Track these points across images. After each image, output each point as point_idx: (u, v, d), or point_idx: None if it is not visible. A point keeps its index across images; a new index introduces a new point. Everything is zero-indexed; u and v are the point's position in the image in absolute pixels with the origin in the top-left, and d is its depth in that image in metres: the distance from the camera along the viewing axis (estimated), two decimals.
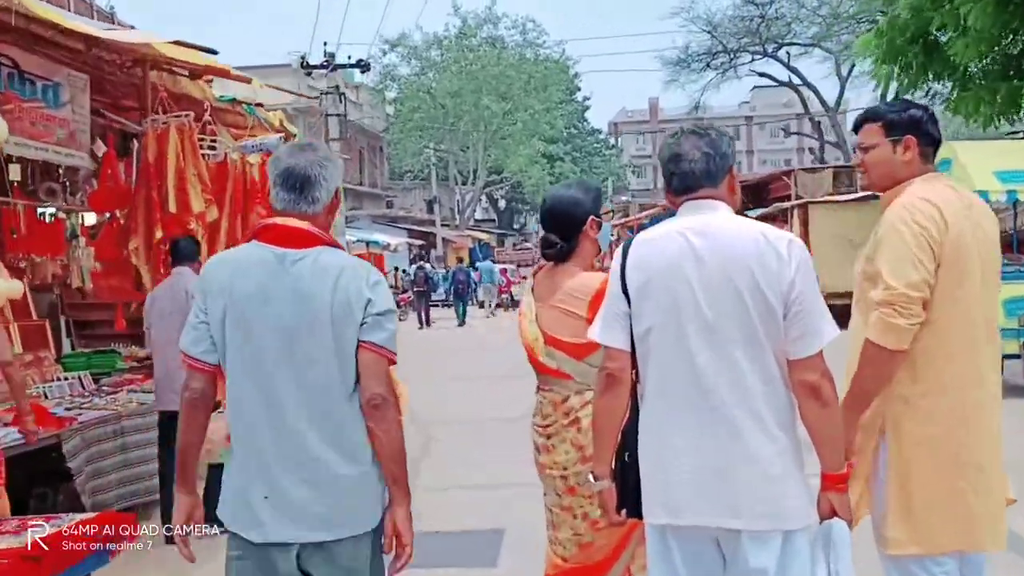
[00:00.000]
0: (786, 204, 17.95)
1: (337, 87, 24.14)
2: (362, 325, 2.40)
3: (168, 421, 5.15)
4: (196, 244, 5.74)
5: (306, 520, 2.37)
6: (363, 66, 24.58)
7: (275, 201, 2.51)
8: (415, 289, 25.93)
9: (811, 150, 36.71)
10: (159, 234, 6.12)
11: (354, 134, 48.15)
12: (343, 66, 24.23)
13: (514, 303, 31.39)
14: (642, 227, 28.66)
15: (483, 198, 67.24)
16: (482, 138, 50.26)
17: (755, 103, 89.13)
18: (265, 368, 2.39)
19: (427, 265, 28.50)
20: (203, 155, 6.55)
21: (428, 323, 24.71)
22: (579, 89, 63.48)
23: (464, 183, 52.98)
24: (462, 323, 25.12)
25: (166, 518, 5.01)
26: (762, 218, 19.44)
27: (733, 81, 43.52)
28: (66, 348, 7.05)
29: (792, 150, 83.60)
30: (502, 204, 70.02)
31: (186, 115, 6.26)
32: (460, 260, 32.18)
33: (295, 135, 9.22)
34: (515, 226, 73.10)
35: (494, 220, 71.11)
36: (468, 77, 48.06)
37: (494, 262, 50.85)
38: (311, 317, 2.38)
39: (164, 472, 5.34)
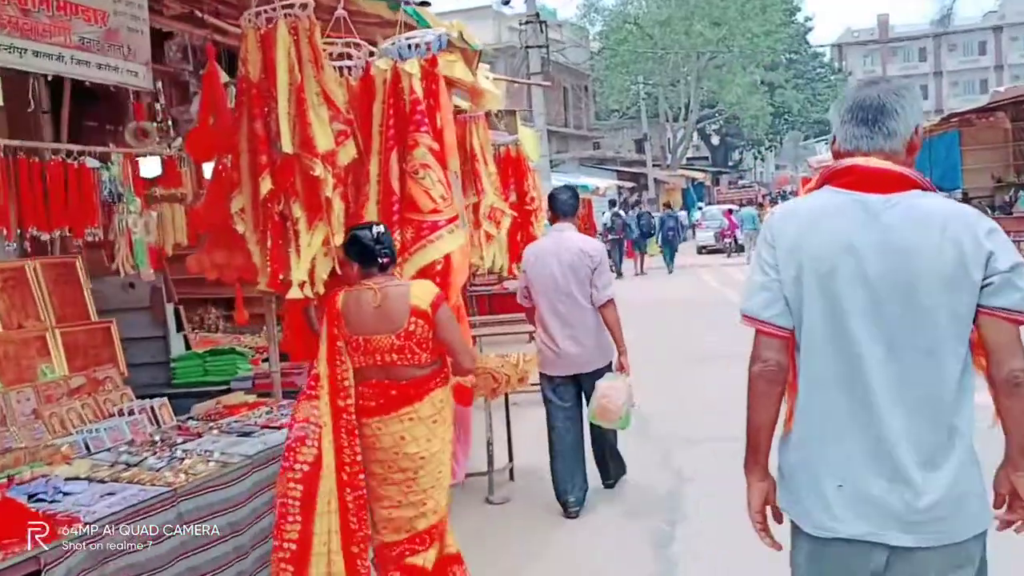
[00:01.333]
0: None
1: (537, 14, 21.74)
2: (984, 287, 2.05)
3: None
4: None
5: (890, 517, 2.10)
6: None
7: (841, 142, 2.25)
8: (611, 237, 24.32)
9: None
10: (267, 186, 3.94)
11: (558, 73, 46.02)
12: None
13: (739, 247, 28.89)
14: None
15: (695, 135, 63.42)
16: (694, 69, 46.49)
17: (1004, 10, 78.90)
18: (850, 336, 2.11)
19: (622, 212, 26.30)
20: (334, 66, 4.31)
21: (619, 273, 23.37)
22: (799, 9, 57.70)
23: (675, 120, 49.42)
24: (670, 271, 24.34)
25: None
26: None
27: None
28: (177, 348, 5.15)
29: None
30: (715, 140, 65.55)
31: (301, 3, 3.98)
32: (668, 205, 29.71)
33: (477, 49, 6.80)
34: (730, 163, 68.38)
35: (707, 157, 66.99)
36: (677, 2, 44.35)
37: (709, 203, 47.63)
38: (910, 276, 2.07)
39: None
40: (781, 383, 2.23)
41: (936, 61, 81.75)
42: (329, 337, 3.73)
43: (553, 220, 5.83)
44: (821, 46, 65.49)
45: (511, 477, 5.97)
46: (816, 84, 59.35)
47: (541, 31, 21.86)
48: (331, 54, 4.38)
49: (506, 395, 5.51)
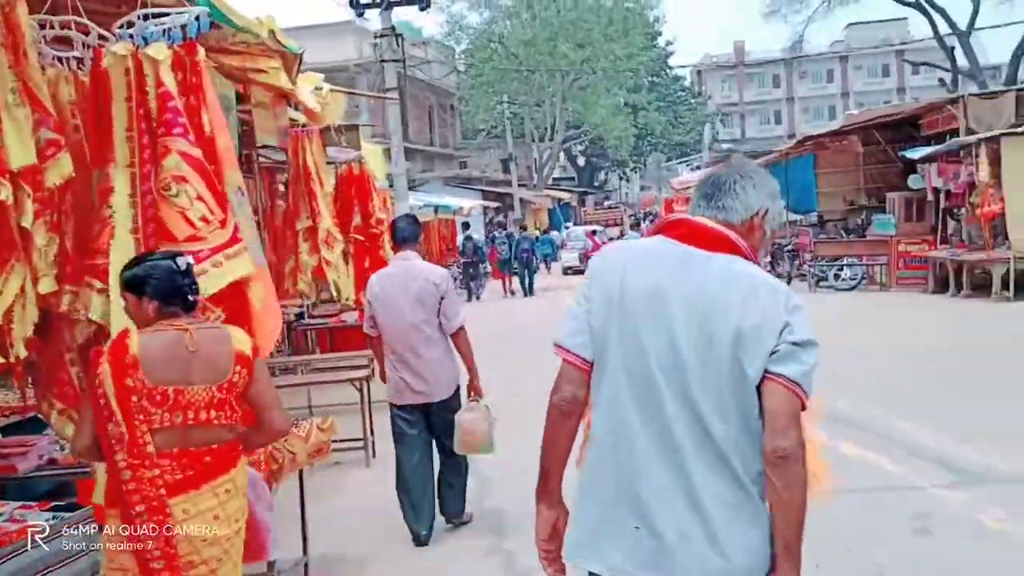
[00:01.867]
0: (970, 139, 13.94)
1: (393, 28, 20.80)
2: (773, 354, 2.08)
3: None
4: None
5: (676, 566, 2.09)
6: (422, 1, 21.22)
7: (690, 208, 2.34)
8: (463, 260, 24.22)
9: (941, 81, 31.83)
10: None
11: (422, 91, 45.25)
12: (398, 3, 20.86)
13: None
14: None
15: (561, 155, 63.82)
16: (559, 89, 46.52)
17: (850, 41, 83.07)
18: (647, 378, 2.14)
19: (474, 235, 26.07)
20: (55, 55, 3.26)
21: (478, 297, 23.37)
22: (660, 34, 58.94)
23: (541, 140, 49.40)
24: (526, 293, 23.56)
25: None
26: (929, 159, 15.57)
27: (828, 17, 38.30)
28: None
29: (892, 91, 77.68)
30: (581, 161, 66.16)
31: None
32: (524, 228, 29.25)
33: (297, 53, 5.87)
34: (596, 184, 69.15)
35: (573, 178, 67.52)
36: (542, 24, 44.39)
37: (575, 224, 47.74)
38: (712, 330, 2.10)
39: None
40: (575, 416, 2.26)
41: (788, 87, 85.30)
42: (119, 392, 2.80)
43: (396, 249, 5.70)
44: (682, 66, 66.98)
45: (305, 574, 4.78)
46: (677, 107, 60.79)
47: (397, 44, 20.90)
48: (44, 37, 3.30)
49: (300, 473, 4.42)
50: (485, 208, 41.35)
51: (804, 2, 36.59)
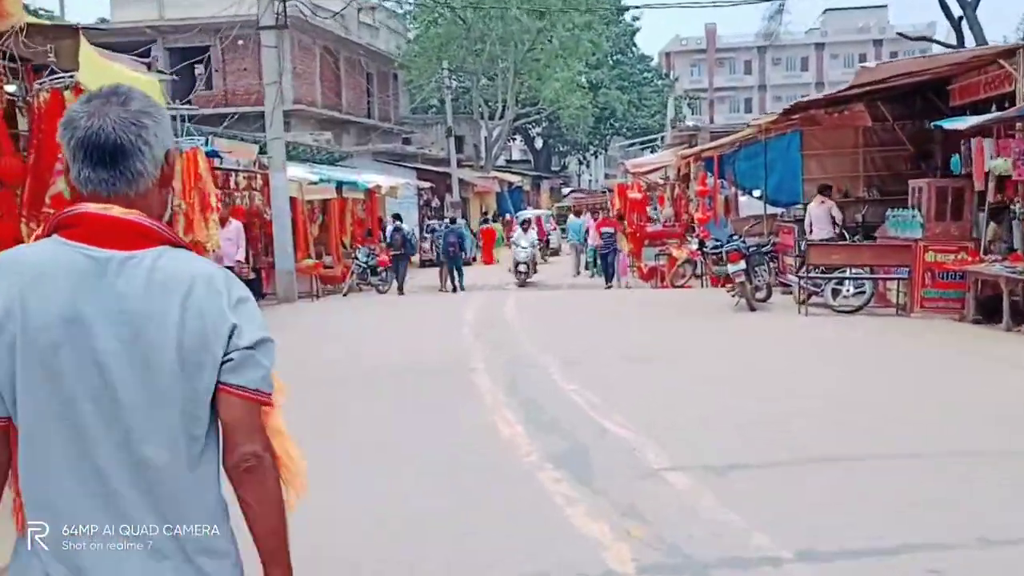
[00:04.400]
0: None
1: None
2: (225, 363, 1.75)
3: None
4: None
5: None
6: None
7: (78, 182, 1.78)
8: (392, 253, 21.15)
9: None
10: None
11: (362, 57, 40.32)
12: None
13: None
14: (727, 158, 21.12)
15: (517, 137, 59.18)
16: (511, 59, 41.68)
17: (827, 28, 79.36)
18: (80, 424, 1.72)
19: (404, 226, 22.43)
20: None
21: (400, 291, 20.43)
22: (627, 8, 54.30)
23: (491, 117, 44.54)
24: (455, 289, 20.67)
25: None
26: (981, 131, 11.06)
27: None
28: None
29: None
30: (539, 144, 61.46)
31: None
32: (453, 221, 24.19)
33: None
34: (553, 168, 64.47)
35: (529, 161, 62.84)
36: None
37: (524, 206, 43.19)
38: (148, 351, 1.72)
39: None
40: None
41: (761, 75, 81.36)
42: None
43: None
44: (647, 56, 62.41)
45: None
46: (642, 88, 56.13)
47: None
48: None
49: None
50: (419, 188, 36.55)
51: None
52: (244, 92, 34.09)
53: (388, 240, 22.03)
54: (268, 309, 16.37)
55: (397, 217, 23.53)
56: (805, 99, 16.46)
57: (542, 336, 11.36)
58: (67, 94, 6.67)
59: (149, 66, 10.15)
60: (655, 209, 26.14)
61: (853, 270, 12.30)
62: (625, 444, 5.95)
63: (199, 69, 34.61)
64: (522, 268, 22.24)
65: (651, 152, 46.76)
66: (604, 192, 43.11)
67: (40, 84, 6.68)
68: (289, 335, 12.68)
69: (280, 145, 16.99)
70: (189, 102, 34.02)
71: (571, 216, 30.08)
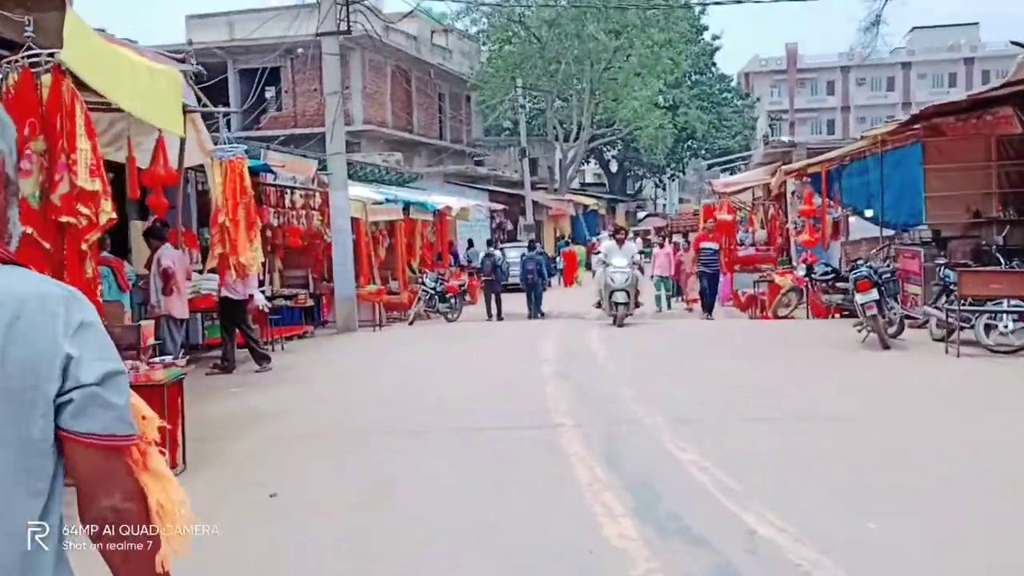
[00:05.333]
0: None
1: None
2: (64, 405, 1.46)
3: None
4: None
5: None
6: None
7: None
8: (483, 278, 21.16)
9: None
10: None
11: (433, 78, 39.22)
12: None
13: None
14: (835, 174, 18.96)
15: (592, 160, 57.45)
16: (587, 78, 40.08)
17: (914, 47, 75.97)
18: None
19: (496, 252, 22.01)
20: None
21: (500, 316, 19.88)
22: (706, 28, 52.33)
23: (566, 139, 42.94)
24: (532, 315, 20.11)
25: None
26: None
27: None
28: None
29: None
30: (614, 167, 59.69)
31: None
32: (532, 246, 22.93)
33: None
34: (629, 192, 62.53)
35: (604, 184, 61.01)
36: (569, 0, 38.00)
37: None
38: None
39: None
40: None
41: (844, 95, 78.30)
42: None
43: None
44: (727, 75, 60.27)
45: None
46: (722, 108, 53.90)
47: None
48: None
49: None
50: (492, 212, 35.09)
51: None
52: (315, 113, 33.13)
53: (480, 265, 21.97)
54: (323, 339, 14.86)
55: (492, 243, 23.76)
56: (935, 104, 14.33)
57: (638, 380, 9.51)
58: (44, 79, 5.19)
59: (182, 60, 8.73)
60: (745, 232, 24.13)
61: (1011, 302, 10.19)
62: (789, 560, 4.12)
63: (270, 92, 34.09)
64: (620, 297, 15.70)
65: (730, 174, 44.57)
66: (692, 214, 40.83)
67: (9, 63, 5.20)
68: (338, 369, 11.17)
69: (341, 161, 15.57)
70: (259, 124, 33.38)
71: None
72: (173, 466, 5.37)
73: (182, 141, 9.04)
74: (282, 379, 10.17)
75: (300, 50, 24.81)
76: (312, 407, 8.53)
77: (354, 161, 24.60)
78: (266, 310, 11.58)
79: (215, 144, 9.63)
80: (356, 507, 5.24)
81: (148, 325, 7.84)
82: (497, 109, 41.79)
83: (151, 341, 7.76)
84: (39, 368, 1.43)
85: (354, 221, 17.00)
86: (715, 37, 53.88)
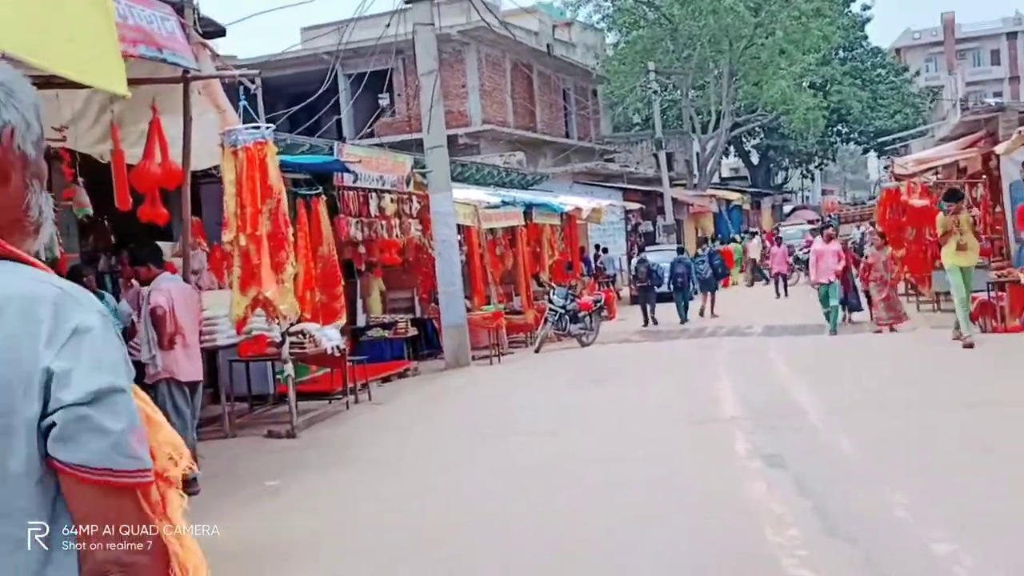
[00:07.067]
0: None
1: None
2: (49, 428, 1.21)
3: None
4: None
5: None
6: None
7: None
8: (638, 284, 21.56)
9: None
10: None
11: (555, 73, 36.12)
12: None
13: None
14: None
15: (730, 151, 52.86)
16: (726, 59, 36.04)
17: None
18: None
19: (649, 257, 22.52)
20: None
21: (655, 321, 20.12)
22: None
23: (704, 131, 38.94)
24: (683, 320, 20.15)
25: None
26: None
27: None
28: None
29: None
30: (755, 158, 55.02)
31: None
32: (681, 251, 24.17)
33: None
34: (772, 183, 57.54)
35: (746, 178, 56.27)
36: None
37: (747, 232, 37.20)
38: None
39: None
40: None
41: (1012, 65, 70.50)
42: None
43: None
44: (880, 49, 54.66)
45: None
46: (877, 86, 48.47)
47: None
48: None
49: None
50: (628, 212, 31.56)
51: None
52: None
53: (633, 273, 22.33)
54: (426, 378, 11.73)
55: (641, 249, 23.49)
56: None
57: (902, 471, 5.85)
58: None
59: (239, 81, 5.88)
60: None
61: None
62: None
63: (384, 100, 31.86)
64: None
65: (887, 158, 39.49)
66: (860, 204, 36.16)
67: None
68: (429, 431, 8.09)
69: (442, 156, 12.50)
70: (372, 132, 31.06)
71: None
72: None
73: (187, 123, 6.16)
74: (343, 460, 7.08)
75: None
76: (368, 538, 5.38)
77: (469, 162, 21.72)
78: (337, 353, 8.56)
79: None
80: None
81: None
82: (626, 100, 38.26)
83: None
84: (12, 386, 1.19)
85: (464, 230, 14.00)
86: (865, 7, 48.69)
